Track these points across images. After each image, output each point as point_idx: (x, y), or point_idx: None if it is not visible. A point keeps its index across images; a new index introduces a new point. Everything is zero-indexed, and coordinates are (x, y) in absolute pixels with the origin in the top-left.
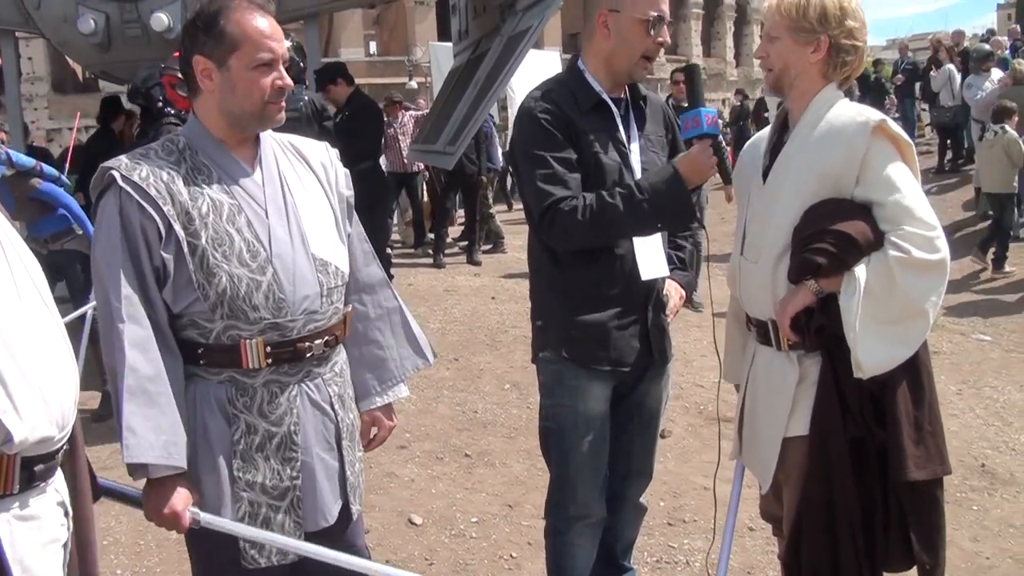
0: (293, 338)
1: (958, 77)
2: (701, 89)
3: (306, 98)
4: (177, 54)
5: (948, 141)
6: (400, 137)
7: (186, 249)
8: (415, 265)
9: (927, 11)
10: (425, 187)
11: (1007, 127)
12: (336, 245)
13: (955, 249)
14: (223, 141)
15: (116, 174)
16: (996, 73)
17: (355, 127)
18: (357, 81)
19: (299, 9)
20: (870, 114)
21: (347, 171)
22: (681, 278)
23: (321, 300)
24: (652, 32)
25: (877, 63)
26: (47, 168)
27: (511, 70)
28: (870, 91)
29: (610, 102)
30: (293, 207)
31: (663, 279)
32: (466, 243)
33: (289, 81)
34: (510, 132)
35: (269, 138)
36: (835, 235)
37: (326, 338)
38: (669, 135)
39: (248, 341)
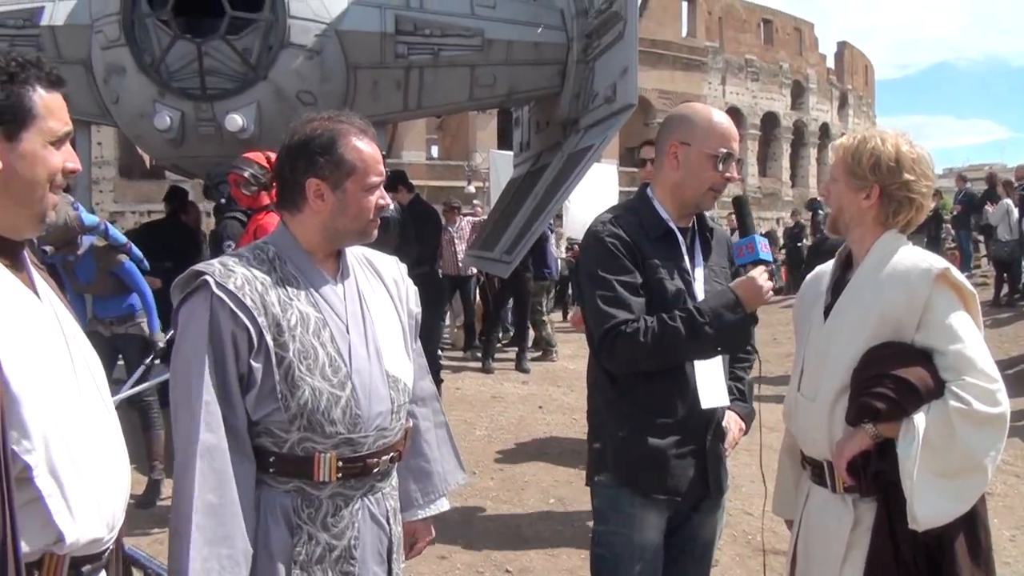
0: (364, 454)
1: (1016, 211)
2: (751, 218)
3: (392, 205)
4: (249, 155)
5: (1004, 275)
6: (456, 241)
7: (274, 360)
8: (463, 369)
9: (979, 143)
10: (478, 291)
11: None
12: (405, 362)
13: (1011, 386)
14: (311, 253)
15: (210, 280)
16: None
17: (415, 232)
18: (417, 183)
19: (371, 117)
20: (933, 261)
21: (416, 289)
22: (741, 409)
23: (391, 416)
24: (720, 167)
25: (936, 193)
26: (135, 249)
27: (571, 186)
28: (927, 222)
29: (676, 231)
30: (370, 322)
31: (723, 409)
32: (516, 349)
33: (388, 200)
34: (564, 241)
35: (348, 252)
36: (895, 380)
37: (392, 454)
38: (732, 267)
39: (322, 454)
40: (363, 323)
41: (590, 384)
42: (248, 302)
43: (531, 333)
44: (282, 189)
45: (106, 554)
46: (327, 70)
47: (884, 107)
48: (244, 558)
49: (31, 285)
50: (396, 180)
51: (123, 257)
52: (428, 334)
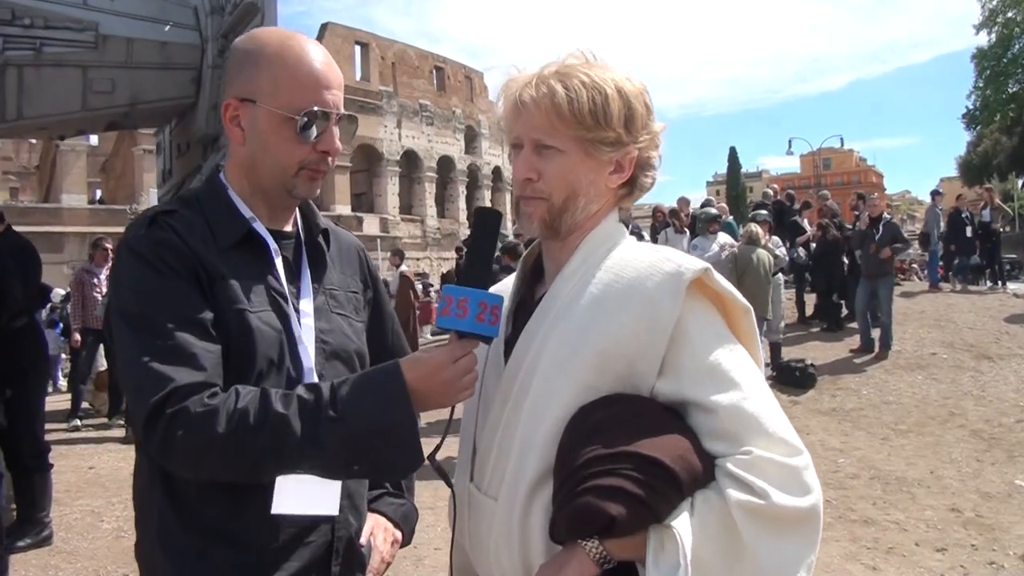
0: None
1: (678, 237)
2: (488, 249)
3: None
4: None
5: None
6: (102, 289)
7: None
8: (104, 440)
9: None
10: None
11: None
12: None
13: None
14: None
15: None
16: (722, 236)
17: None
18: (79, 229)
19: None
20: (683, 261)
21: None
22: (392, 511)
23: None
24: (304, 134)
25: None
26: None
27: None
28: None
29: (265, 235)
30: None
31: (358, 517)
32: None
33: None
34: None
35: None
36: (635, 461)
37: None
38: (369, 292)
39: None
40: None
41: (134, 494)
42: None
43: None
44: None
45: None
46: None
47: None
48: None
49: None
50: None
51: None
52: (32, 408)
